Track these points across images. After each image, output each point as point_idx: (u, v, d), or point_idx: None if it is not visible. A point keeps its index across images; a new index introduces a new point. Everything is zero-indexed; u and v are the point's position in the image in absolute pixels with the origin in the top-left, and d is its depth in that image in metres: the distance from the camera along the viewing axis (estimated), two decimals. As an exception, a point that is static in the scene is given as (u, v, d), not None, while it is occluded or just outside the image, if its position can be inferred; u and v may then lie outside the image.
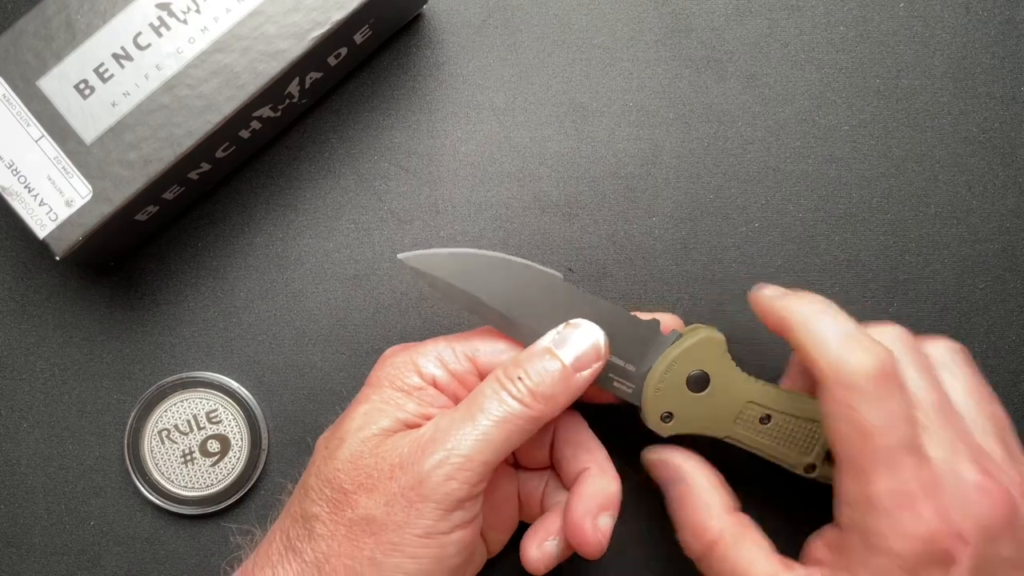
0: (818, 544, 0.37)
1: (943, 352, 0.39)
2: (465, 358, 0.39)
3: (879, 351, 0.35)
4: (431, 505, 0.35)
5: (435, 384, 0.38)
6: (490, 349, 0.39)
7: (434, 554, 0.35)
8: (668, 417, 0.40)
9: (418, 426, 0.37)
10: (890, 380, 0.35)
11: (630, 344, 0.40)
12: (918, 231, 0.46)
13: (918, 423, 0.35)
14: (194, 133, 0.39)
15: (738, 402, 0.40)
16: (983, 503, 0.34)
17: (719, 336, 0.40)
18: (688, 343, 0.40)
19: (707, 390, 0.40)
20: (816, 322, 0.36)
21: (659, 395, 0.40)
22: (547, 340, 0.38)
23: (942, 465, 0.35)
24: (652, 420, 0.40)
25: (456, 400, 0.39)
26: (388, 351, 0.40)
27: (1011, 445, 0.37)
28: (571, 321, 0.39)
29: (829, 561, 0.36)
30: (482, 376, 0.39)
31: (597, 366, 0.38)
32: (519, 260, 0.39)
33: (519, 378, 0.37)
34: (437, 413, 0.38)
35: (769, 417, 0.40)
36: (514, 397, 0.37)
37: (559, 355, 0.38)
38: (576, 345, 0.38)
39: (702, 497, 0.39)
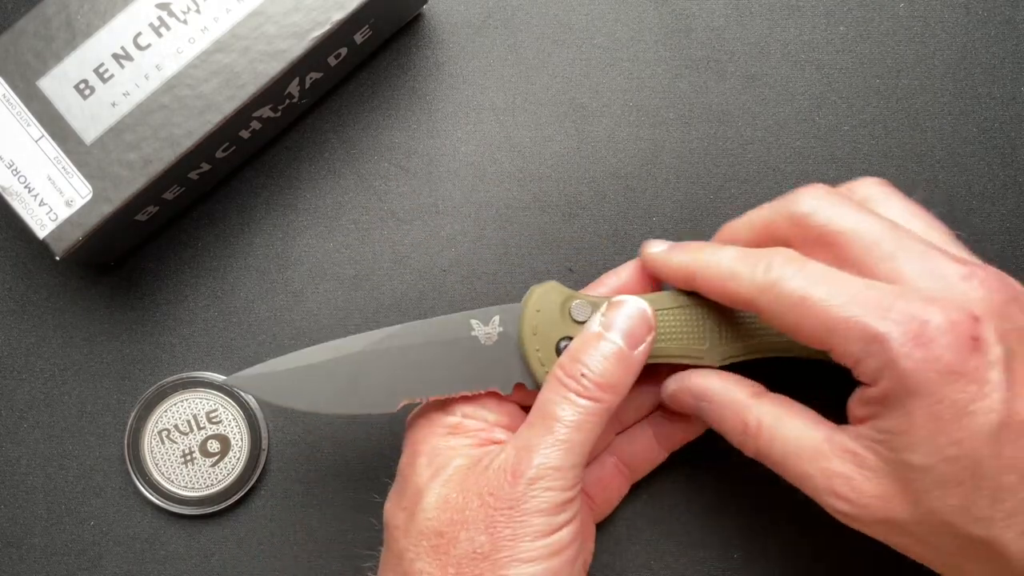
0: (855, 405, 0.36)
1: (868, 188, 0.39)
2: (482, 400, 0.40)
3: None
4: (535, 515, 0.35)
5: (466, 417, 0.39)
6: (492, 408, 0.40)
7: (551, 551, 0.36)
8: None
9: (490, 450, 0.38)
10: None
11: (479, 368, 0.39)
12: (918, 231, 0.46)
13: (884, 256, 0.35)
14: (194, 133, 0.39)
15: None
16: (975, 287, 0.34)
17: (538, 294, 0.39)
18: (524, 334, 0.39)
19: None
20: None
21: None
22: (595, 325, 0.38)
23: (922, 278, 0.34)
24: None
25: (498, 416, 0.39)
26: (409, 417, 0.40)
27: (963, 247, 0.37)
28: (612, 300, 0.38)
29: (872, 413, 0.35)
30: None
31: (650, 339, 0.38)
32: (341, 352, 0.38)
33: (582, 375, 0.37)
34: (491, 434, 0.39)
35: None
36: (583, 396, 0.36)
37: (612, 338, 0.37)
38: (625, 323, 0.38)
39: (726, 400, 0.38)
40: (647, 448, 0.43)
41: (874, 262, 0.35)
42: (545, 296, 0.39)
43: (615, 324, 0.38)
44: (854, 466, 0.35)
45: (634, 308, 0.38)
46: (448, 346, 0.39)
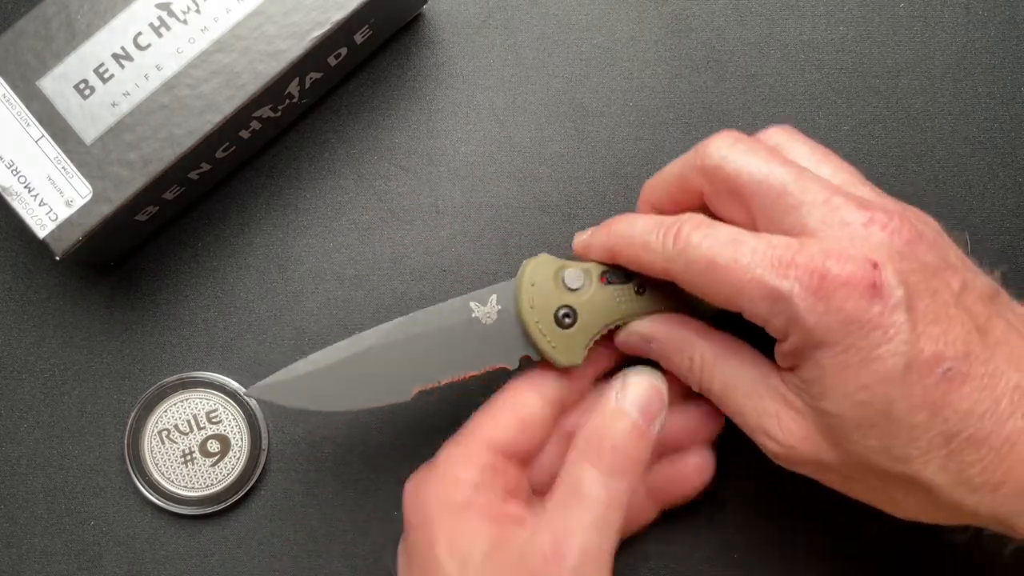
0: (777, 358, 0.37)
1: (775, 137, 0.39)
2: (485, 450, 0.39)
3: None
4: None
5: (477, 489, 0.38)
6: (502, 432, 0.39)
7: None
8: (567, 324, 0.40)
9: (508, 528, 0.37)
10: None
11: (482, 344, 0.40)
12: (918, 231, 0.46)
13: (789, 207, 0.35)
14: (194, 133, 0.39)
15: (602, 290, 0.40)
16: (876, 232, 0.34)
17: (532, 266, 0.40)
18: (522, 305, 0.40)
19: (575, 324, 0.40)
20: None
21: (555, 349, 0.40)
22: (613, 400, 0.38)
23: (826, 227, 0.35)
24: (574, 350, 0.40)
25: (504, 484, 0.38)
26: (408, 487, 0.39)
27: (872, 186, 0.38)
28: (625, 372, 0.39)
29: (790, 365, 0.36)
30: (510, 454, 0.39)
31: (664, 414, 0.38)
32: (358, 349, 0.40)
33: (612, 449, 0.37)
34: (503, 508, 0.38)
35: (643, 286, 0.40)
36: (615, 473, 0.37)
37: (631, 414, 0.38)
38: (640, 398, 0.38)
39: (673, 338, 0.39)
40: (639, 505, 0.42)
41: (780, 214, 0.35)
42: (538, 269, 0.40)
43: (631, 400, 0.38)
44: (784, 407, 0.36)
45: (648, 386, 0.38)
46: (451, 331, 0.40)
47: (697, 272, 0.36)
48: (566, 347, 0.39)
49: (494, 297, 0.40)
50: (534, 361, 0.40)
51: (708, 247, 0.35)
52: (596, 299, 0.40)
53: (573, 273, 0.40)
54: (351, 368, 0.39)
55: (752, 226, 0.36)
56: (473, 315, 0.40)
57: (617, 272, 0.40)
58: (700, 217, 0.37)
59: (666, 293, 0.40)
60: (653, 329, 0.40)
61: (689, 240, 0.36)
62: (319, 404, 0.39)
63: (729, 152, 0.37)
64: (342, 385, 0.39)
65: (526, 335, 0.40)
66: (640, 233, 0.38)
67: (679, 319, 0.40)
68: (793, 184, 0.35)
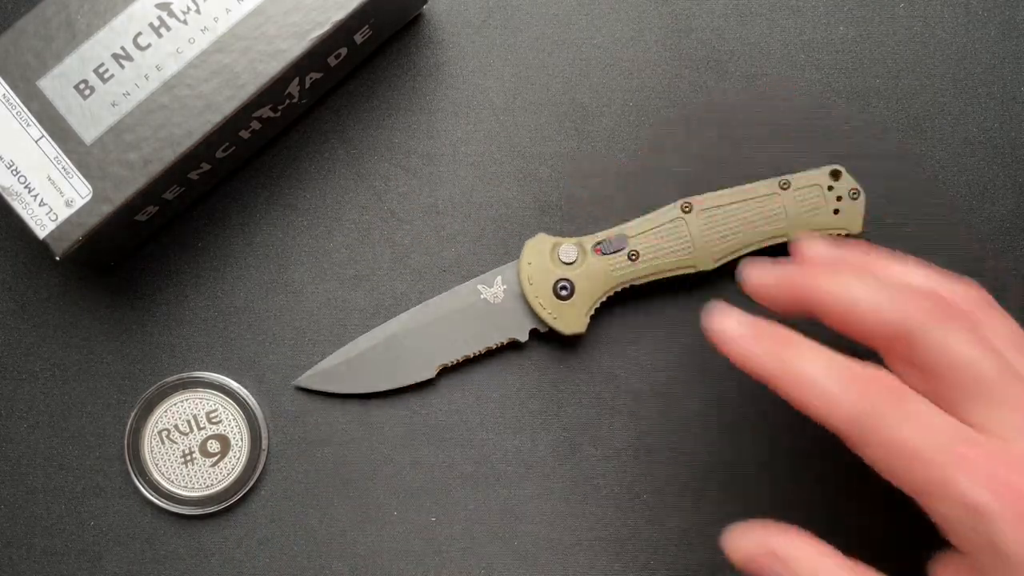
0: (944, 570, 0.33)
1: (970, 300, 0.36)
2: None
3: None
4: None
5: None
6: None
7: None
8: (568, 292, 0.43)
9: None
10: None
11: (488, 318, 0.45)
12: (918, 231, 0.46)
13: (991, 402, 0.32)
14: (194, 133, 0.39)
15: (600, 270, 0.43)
16: None
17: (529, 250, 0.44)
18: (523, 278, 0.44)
19: (573, 295, 0.43)
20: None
21: (558, 319, 0.44)
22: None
23: (1020, 431, 0.31)
24: (576, 319, 0.43)
25: None
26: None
27: None
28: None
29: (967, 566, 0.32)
30: None
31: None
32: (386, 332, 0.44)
33: None
34: None
35: (636, 253, 0.43)
36: None
37: None
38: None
39: (812, 567, 0.34)
40: None
41: (976, 407, 0.32)
42: (534, 247, 0.44)
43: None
44: None
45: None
46: (464, 313, 0.44)
47: (878, 446, 0.32)
48: (567, 317, 0.43)
49: (499, 278, 0.44)
50: (542, 332, 0.44)
51: (898, 426, 0.32)
52: (591, 270, 0.43)
53: (567, 248, 0.43)
54: (381, 353, 0.44)
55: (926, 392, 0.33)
56: (481, 296, 0.44)
57: (611, 242, 0.43)
58: (892, 381, 0.33)
59: (659, 259, 0.43)
60: (791, 554, 0.34)
61: (876, 409, 0.32)
62: (357, 387, 0.44)
63: (930, 319, 0.33)
64: (375, 368, 0.44)
65: (530, 309, 0.44)
66: (818, 378, 0.33)
67: (825, 548, 0.34)
68: (998, 380, 0.32)
